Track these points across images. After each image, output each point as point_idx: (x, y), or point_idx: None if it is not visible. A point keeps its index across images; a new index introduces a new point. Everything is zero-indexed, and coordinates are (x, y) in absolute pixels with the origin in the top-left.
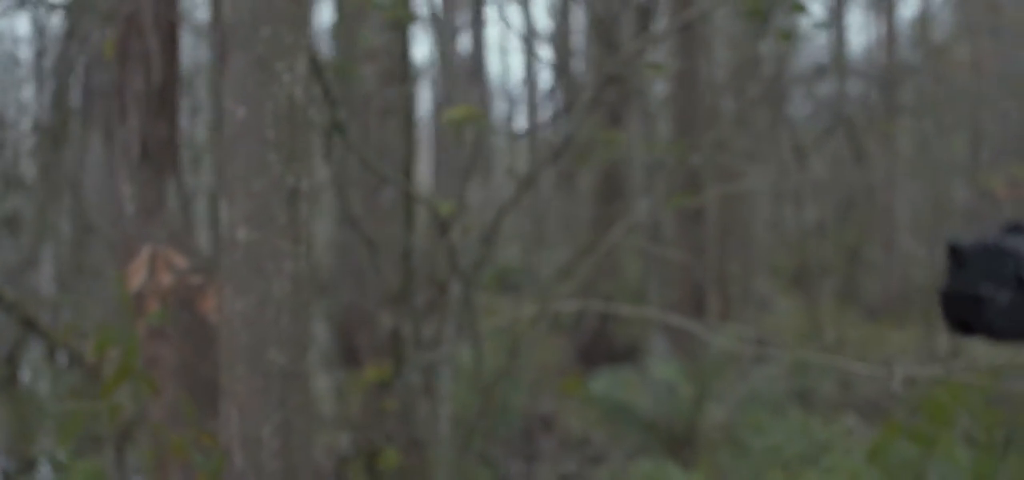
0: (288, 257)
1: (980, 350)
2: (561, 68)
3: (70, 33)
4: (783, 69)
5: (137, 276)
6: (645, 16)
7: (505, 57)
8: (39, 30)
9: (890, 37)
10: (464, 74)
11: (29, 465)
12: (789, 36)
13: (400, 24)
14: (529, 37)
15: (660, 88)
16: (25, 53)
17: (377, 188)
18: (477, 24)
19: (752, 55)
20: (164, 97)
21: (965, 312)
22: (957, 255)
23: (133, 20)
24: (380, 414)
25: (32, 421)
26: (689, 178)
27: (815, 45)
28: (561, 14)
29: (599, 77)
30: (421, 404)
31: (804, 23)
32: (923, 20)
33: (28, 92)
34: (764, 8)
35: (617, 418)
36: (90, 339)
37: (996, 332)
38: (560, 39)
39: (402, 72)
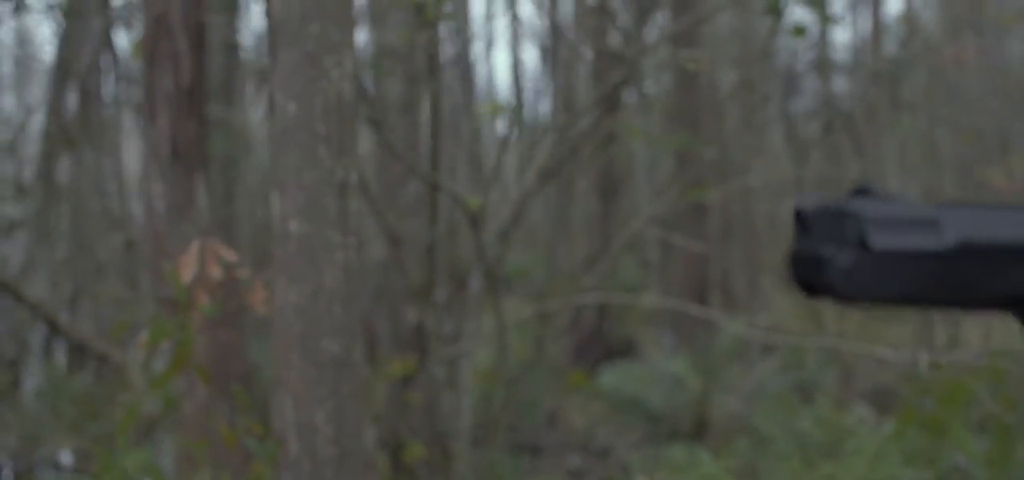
0: (339, 248)
1: (975, 339)
2: (555, 62)
3: (67, 38)
4: (793, 64)
5: (188, 269)
6: (647, 7)
7: (490, 52)
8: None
9: (876, 33)
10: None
11: (31, 468)
12: (803, 31)
13: (431, 21)
14: (517, 30)
15: (656, 82)
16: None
17: (400, 183)
18: (463, 20)
19: (758, 49)
20: (193, 97)
21: (808, 273)
22: (801, 218)
23: (162, 21)
24: (404, 407)
25: (42, 423)
26: (694, 173)
27: (797, 41)
28: (551, 7)
29: (613, 73)
30: (445, 397)
31: (811, 18)
32: (909, 16)
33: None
34: (781, 4)
35: (626, 411)
36: (107, 338)
37: (837, 292)
38: (553, 33)
39: (431, 69)
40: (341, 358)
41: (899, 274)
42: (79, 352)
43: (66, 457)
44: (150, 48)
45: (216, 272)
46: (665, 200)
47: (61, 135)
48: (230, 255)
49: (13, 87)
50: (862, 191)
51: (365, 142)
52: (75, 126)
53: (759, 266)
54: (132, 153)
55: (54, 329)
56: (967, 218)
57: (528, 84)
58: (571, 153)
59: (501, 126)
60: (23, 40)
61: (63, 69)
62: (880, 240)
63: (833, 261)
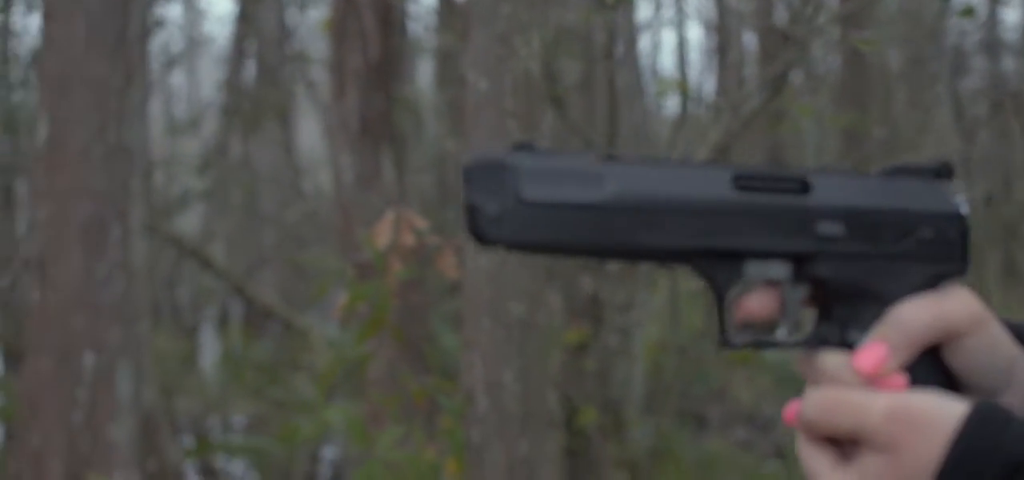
0: None
1: None
2: (722, 42)
3: (242, 16)
4: (962, 43)
5: (383, 236)
6: None
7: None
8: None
9: None
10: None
11: (207, 434)
12: (971, 12)
13: (613, 4)
14: (682, 9)
15: (825, 61)
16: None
17: None
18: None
19: (927, 29)
20: (381, 72)
21: (467, 222)
22: (464, 172)
23: None
24: (578, 374)
25: (222, 390)
26: (861, 152)
27: (966, 21)
28: None
29: (782, 53)
30: (617, 366)
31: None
32: None
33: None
34: None
35: (792, 385)
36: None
37: (488, 239)
38: (719, 12)
39: (609, 49)
40: (527, 320)
41: (553, 224)
42: (257, 320)
43: (239, 422)
44: (338, 26)
45: (409, 239)
46: None
47: (240, 111)
48: (421, 223)
49: (185, 65)
50: (523, 147)
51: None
52: (253, 102)
53: None
54: (305, 128)
55: (241, 296)
56: (630, 173)
57: (693, 63)
58: (742, 130)
59: (673, 104)
60: (195, 18)
61: (240, 46)
62: (532, 191)
63: (482, 209)
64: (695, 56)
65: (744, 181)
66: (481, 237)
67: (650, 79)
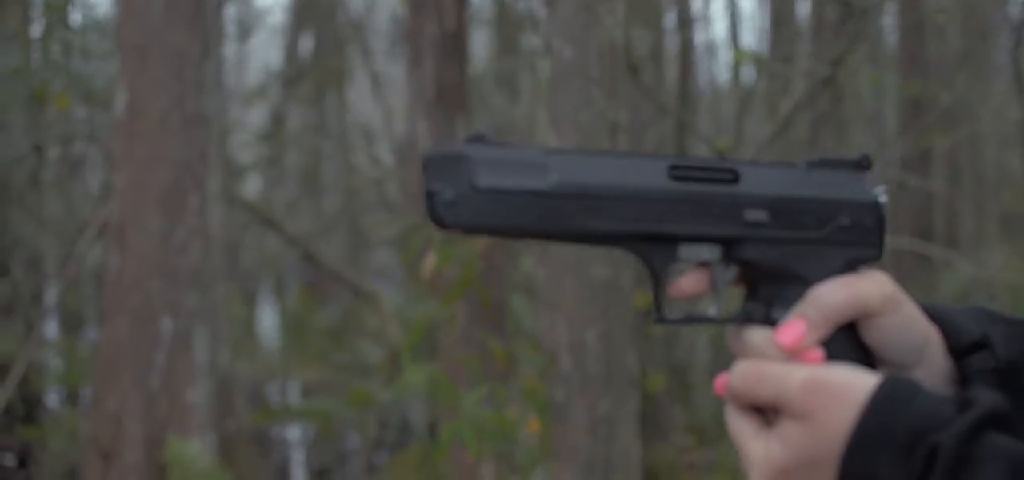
0: None
1: None
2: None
3: None
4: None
5: None
6: None
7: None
8: None
9: None
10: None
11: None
12: None
13: None
14: None
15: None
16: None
17: (644, 127)
18: None
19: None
20: (456, 41)
21: (426, 206)
22: (424, 161)
23: None
24: (646, 339)
25: (285, 355)
26: (921, 120)
27: None
28: None
29: (845, 26)
30: (684, 332)
31: None
32: None
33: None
34: None
35: None
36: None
37: (444, 222)
38: None
39: (682, 19)
40: (611, 282)
41: (504, 209)
42: (321, 285)
43: (294, 387)
44: None
45: None
46: (894, 147)
47: (301, 79)
48: None
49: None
50: (477, 138)
51: None
52: (312, 70)
53: (986, 214)
54: (360, 96)
55: (310, 262)
56: (572, 163)
57: (746, 31)
58: (808, 101)
59: (725, 72)
60: None
61: (300, 16)
62: (485, 179)
63: (440, 195)
64: (747, 23)
65: (679, 171)
66: (439, 221)
67: (703, 49)
